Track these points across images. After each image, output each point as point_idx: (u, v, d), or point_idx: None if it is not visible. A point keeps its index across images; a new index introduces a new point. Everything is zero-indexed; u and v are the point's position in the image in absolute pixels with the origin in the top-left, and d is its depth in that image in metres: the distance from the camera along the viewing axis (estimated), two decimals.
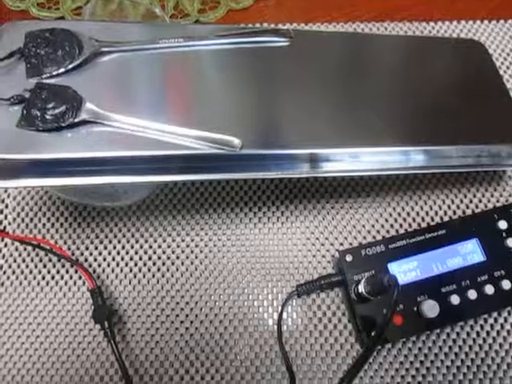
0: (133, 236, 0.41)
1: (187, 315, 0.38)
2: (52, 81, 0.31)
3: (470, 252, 0.37)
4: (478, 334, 0.37)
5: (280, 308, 0.38)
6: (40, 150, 0.29)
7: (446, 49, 0.41)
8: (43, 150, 0.29)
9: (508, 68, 0.47)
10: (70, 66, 0.32)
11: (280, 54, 0.37)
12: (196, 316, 0.38)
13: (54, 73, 0.31)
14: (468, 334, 0.37)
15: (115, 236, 0.41)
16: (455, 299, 0.35)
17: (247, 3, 0.50)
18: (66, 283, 0.39)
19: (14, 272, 0.39)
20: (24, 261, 0.40)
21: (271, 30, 0.37)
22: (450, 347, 0.37)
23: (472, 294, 0.35)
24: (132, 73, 0.33)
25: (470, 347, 0.37)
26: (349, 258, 0.36)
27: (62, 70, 0.31)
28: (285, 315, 0.38)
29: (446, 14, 0.50)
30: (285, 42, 0.37)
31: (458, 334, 0.37)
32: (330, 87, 0.37)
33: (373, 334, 0.34)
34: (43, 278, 0.39)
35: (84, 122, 0.30)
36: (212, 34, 0.36)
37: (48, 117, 0.29)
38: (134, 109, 0.31)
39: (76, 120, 0.29)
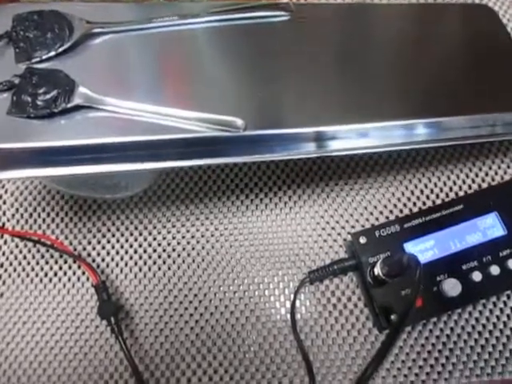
0: (136, 228, 0.39)
1: (196, 308, 0.37)
2: (42, 65, 0.30)
3: (489, 226, 0.35)
4: (501, 310, 0.36)
5: (292, 296, 0.36)
6: (32, 137, 0.27)
7: (455, 15, 0.39)
8: (36, 138, 0.27)
9: None
10: (61, 49, 0.30)
11: (281, 28, 0.35)
12: (205, 308, 0.37)
13: (44, 57, 0.30)
14: (491, 311, 0.36)
15: (118, 229, 0.39)
16: (477, 276, 0.33)
17: None
18: (69, 279, 0.38)
19: (15, 270, 0.38)
20: (25, 258, 0.38)
21: (270, 4, 0.35)
22: (473, 326, 0.35)
23: (495, 270, 0.33)
24: (126, 54, 0.32)
25: (494, 325, 0.35)
26: (362, 240, 0.35)
27: (52, 53, 0.30)
28: (298, 303, 0.37)
29: None
30: (285, 17, 0.35)
31: (480, 312, 0.36)
32: (334, 61, 0.35)
33: (392, 317, 0.33)
34: (45, 274, 0.38)
35: (78, 107, 0.28)
36: (208, 11, 0.34)
37: (39, 103, 0.27)
38: (130, 92, 0.30)
39: (69, 105, 0.28)
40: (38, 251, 0.39)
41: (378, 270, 0.33)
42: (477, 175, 0.40)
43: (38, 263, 0.38)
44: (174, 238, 0.39)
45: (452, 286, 0.32)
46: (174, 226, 0.39)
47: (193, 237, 0.39)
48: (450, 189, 0.40)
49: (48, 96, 0.28)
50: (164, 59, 0.32)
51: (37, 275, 0.38)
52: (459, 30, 0.39)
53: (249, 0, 0.35)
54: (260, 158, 0.31)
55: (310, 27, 0.36)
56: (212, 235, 0.39)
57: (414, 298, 0.25)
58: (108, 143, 0.28)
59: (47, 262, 0.38)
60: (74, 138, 0.27)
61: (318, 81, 0.34)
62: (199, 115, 0.29)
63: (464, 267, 0.34)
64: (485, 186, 0.40)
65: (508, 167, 0.41)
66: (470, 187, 0.40)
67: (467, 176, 0.40)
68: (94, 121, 0.28)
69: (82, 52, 0.31)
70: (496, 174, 0.41)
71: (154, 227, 0.39)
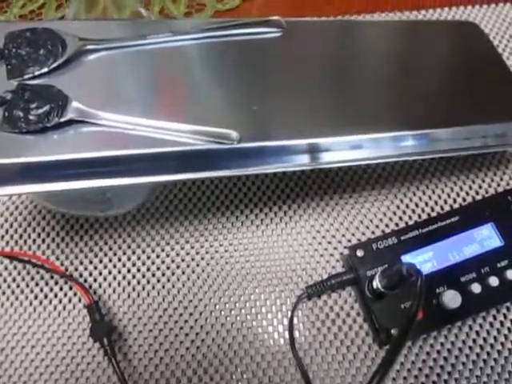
0: (129, 247, 0.38)
1: (192, 327, 0.36)
2: (35, 82, 0.29)
3: (486, 237, 0.35)
4: (501, 323, 0.35)
5: (290, 313, 0.36)
6: (24, 153, 0.26)
7: (442, 31, 0.40)
8: (28, 153, 0.26)
9: (504, 50, 0.47)
10: (54, 66, 0.30)
11: (273, 44, 0.35)
12: (201, 327, 0.36)
13: (37, 73, 0.29)
14: (491, 324, 0.35)
15: (110, 248, 0.38)
16: (476, 288, 0.33)
17: (234, 3, 0.49)
18: (60, 301, 0.37)
19: (4, 293, 0.37)
20: (14, 280, 0.37)
21: (262, 21, 0.36)
22: (474, 340, 0.35)
23: (494, 281, 0.33)
24: (120, 70, 0.32)
25: (495, 338, 0.35)
26: (360, 253, 0.34)
27: (44, 69, 0.30)
28: (295, 320, 0.36)
29: (436, 2, 0.49)
30: (277, 33, 0.36)
31: (480, 325, 0.35)
32: (327, 75, 0.35)
33: (393, 331, 0.32)
34: (36, 297, 0.37)
35: (71, 122, 0.28)
36: (201, 28, 0.34)
37: (31, 117, 0.27)
38: (124, 106, 0.29)
39: (62, 119, 0.27)
40: (28, 273, 0.37)
41: (376, 283, 0.32)
42: (470, 188, 0.41)
43: (28, 286, 0.37)
44: (167, 255, 0.38)
45: (452, 298, 0.32)
46: (167, 244, 0.38)
47: (187, 254, 0.38)
48: (445, 201, 0.40)
49: (40, 111, 0.27)
50: (157, 74, 0.32)
51: (27, 298, 0.37)
52: (448, 46, 0.39)
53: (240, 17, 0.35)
54: (256, 171, 0.30)
55: (302, 43, 0.36)
56: (207, 252, 0.38)
57: (416, 308, 0.24)
58: (102, 157, 0.27)
59: (37, 284, 0.37)
60: (67, 153, 0.27)
61: (312, 94, 0.34)
62: (193, 128, 0.29)
63: (463, 279, 0.34)
64: (479, 198, 0.40)
65: (501, 180, 0.41)
66: (464, 200, 0.40)
67: (461, 189, 0.41)
68: (88, 135, 0.28)
69: (76, 68, 0.31)
70: (489, 186, 0.41)
71: (148, 245, 0.38)
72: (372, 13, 0.48)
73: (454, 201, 0.40)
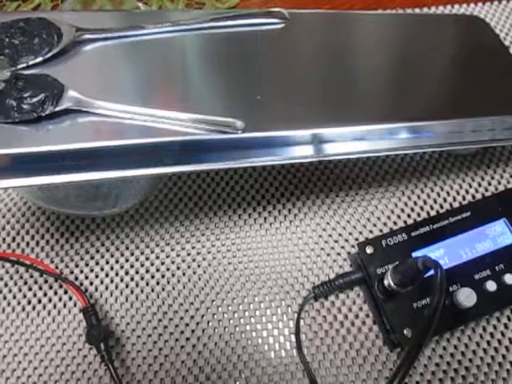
0: (127, 248, 0.37)
1: (193, 331, 0.34)
2: (29, 71, 0.28)
3: (499, 234, 0.33)
4: None
5: (296, 315, 0.34)
6: (17, 143, 0.25)
7: (449, 25, 0.39)
8: (21, 144, 0.25)
9: (508, 47, 0.46)
10: (48, 55, 0.29)
11: (277, 35, 0.34)
12: (203, 331, 0.34)
13: (31, 62, 0.28)
14: (506, 325, 0.34)
15: (107, 249, 0.37)
16: (491, 285, 0.31)
17: (233, 2, 0.48)
18: (54, 306, 0.35)
19: None
20: (6, 285, 0.35)
21: (265, 12, 0.35)
22: (489, 342, 0.33)
23: (509, 279, 0.32)
24: (118, 59, 0.30)
25: (510, 340, 0.33)
26: (369, 249, 0.33)
27: (39, 59, 0.28)
28: (302, 322, 0.34)
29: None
30: (280, 24, 0.35)
31: (494, 326, 0.34)
32: (332, 66, 0.34)
33: (405, 332, 0.30)
34: (29, 301, 0.35)
35: (67, 111, 0.27)
36: (202, 19, 0.33)
37: (25, 106, 0.26)
38: (122, 95, 0.28)
39: (57, 109, 0.26)
40: (21, 277, 0.36)
41: (388, 281, 0.30)
42: (479, 185, 0.39)
43: (20, 289, 0.35)
44: (167, 256, 0.36)
45: (467, 296, 0.30)
46: (167, 244, 0.37)
47: (188, 254, 0.36)
48: (454, 199, 0.39)
49: (34, 99, 0.26)
50: (157, 64, 0.31)
51: (19, 303, 0.35)
52: (454, 39, 0.39)
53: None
54: (259, 163, 0.29)
55: (306, 34, 0.35)
56: (209, 252, 0.36)
57: (438, 302, 0.23)
58: (99, 148, 0.26)
59: (31, 289, 0.35)
60: (62, 143, 0.25)
61: (317, 84, 0.33)
62: (196, 117, 0.27)
63: (477, 277, 0.32)
64: (488, 195, 0.39)
65: (511, 177, 0.40)
66: (473, 197, 0.39)
67: (470, 186, 0.39)
68: (85, 125, 0.26)
69: (72, 58, 0.29)
70: (499, 183, 0.39)
71: (147, 246, 0.37)
72: (374, 10, 0.47)
73: (463, 198, 0.39)
